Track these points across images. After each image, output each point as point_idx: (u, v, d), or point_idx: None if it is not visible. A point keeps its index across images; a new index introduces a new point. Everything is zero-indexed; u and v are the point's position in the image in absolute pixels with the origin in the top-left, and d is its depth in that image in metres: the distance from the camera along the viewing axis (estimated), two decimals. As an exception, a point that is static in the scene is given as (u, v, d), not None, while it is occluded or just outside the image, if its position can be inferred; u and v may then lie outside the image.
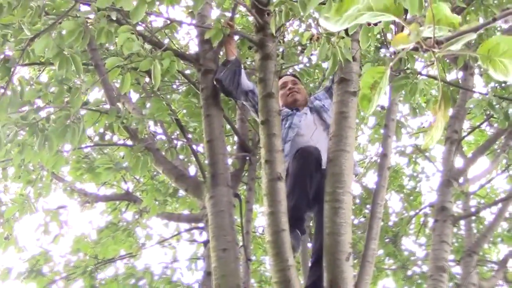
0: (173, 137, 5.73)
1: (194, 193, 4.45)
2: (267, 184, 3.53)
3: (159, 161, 4.66)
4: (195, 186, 4.43)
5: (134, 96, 5.77)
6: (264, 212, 3.58)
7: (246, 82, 4.28)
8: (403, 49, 1.08)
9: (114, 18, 2.77)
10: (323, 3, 2.67)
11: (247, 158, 5.32)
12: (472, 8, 5.44)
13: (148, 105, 5.50)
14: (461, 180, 5.43)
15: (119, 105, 4.61)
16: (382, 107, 5.97)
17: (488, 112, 5.41)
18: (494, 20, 1.08)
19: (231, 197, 4.06)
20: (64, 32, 2.76)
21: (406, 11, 1.31)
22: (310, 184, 3.96)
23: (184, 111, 5.86)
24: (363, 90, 1.13)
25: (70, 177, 6.03)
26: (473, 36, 1.06)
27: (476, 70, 5.70)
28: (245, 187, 5.80)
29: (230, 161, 5.07)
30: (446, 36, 1.06)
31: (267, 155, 3.58)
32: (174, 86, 6.22)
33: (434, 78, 4.41)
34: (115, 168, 4.93)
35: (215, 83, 4.09)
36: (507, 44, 1.00)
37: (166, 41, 5.88)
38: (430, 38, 1.05)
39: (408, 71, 3.82)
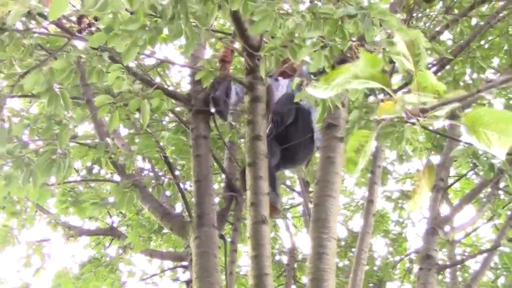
0: (160, 173, 5.73)
1: (179, 233, 4.43)
2: (252, 226, 3.51)
3: (145, 198, 4.64)
4: (180, 225, 4.41)
5: (124, 131, 5.78)
6: (248, 255, 3.56)
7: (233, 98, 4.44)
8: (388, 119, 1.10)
9: (106, 59, 2.79)
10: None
11: (234, 197, 5.32)
12: (460, 58, 5.55)
13: (137, 140, 5.51)
14: (447, 228, 5.44)
15: (108, 140, 4.62)
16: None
17: (474, 161, 5.46)
18: (478, 91, 1.11)
19: (216, 238, 4.05)
20: (55, 68, 2.78)
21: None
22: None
23: (173, 147, 5.87)
24: (348, 154, 1.16)
25: (55, 209, 5.98)
26: (458, 105, 1.09)
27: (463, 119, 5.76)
28: (230, 226, 5.77)
29: (217, 199, 5.07)
30: (431, 104, 1.08)
31: (252, 198, 3.58)
32: (164, 123, 6.24)
33: (425, 128, 4.46)
34: (101, 203, 4.91)
35: (211, 101, 4.17)
36: (491, 116, 1.02)
37: (158, 79, 5.94)
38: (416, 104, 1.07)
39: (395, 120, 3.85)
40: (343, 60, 3.02)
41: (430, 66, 4.50)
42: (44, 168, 3.19)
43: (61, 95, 3.01)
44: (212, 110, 4.32)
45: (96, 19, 2.43)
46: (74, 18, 3.50)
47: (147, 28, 2.45)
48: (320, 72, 4.40)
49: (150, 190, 4.86)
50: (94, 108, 4.46)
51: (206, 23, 2.78)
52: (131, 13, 2.33)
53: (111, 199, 5.25)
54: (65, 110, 3.08)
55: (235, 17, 3.40)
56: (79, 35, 2.53)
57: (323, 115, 3.41)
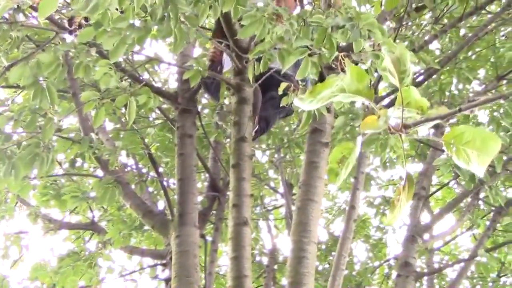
0: (144, 170, 5.71)
1: (160, 231, 4.42)
2: (233, 228, 3.52)
3: (127, 195, 4.63)
4: (162, 224, 4.40)
5: (110, 125, 5.75)
6: (228, 256, 3.56)
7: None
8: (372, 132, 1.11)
9: (93, 54, 2.78)
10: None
11: (217, 197, 5.32)
12: (447, 68, 5.60)
13: (122, 134, 5.49)
14: (426, 236, 5.49)
15: (93, 135, 4.59)
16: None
17: (456, 171, 5.52)
18: (460, 110, 1.13)
19: (197, 238, 4.06)
20: (42, 62, 2.77)
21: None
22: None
23: (158, 144, 5.85)
24: (331, 165, 1.17)
25: (35, 200, 5.93)
26: (440, 121, 1.11)
27: (447, 129, 5.83)
28: (212, 226, 5.77)
29: (200, 198, 5.08)
30: (414, 120, 1.10)
31: (235, 199, 3.58)
32: (150, 119, 6.22)
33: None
34: (81, 197, 4.88)
35: (202, 86, 4.18)
36: (470, 134, 1.04)
37: (146, 74, 5.92)
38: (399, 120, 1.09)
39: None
40: (330, 68, 3.04)
41: (417, 75, 4.54)
42: (27, 161, 3.17)
43: (47, 89, 2.99)
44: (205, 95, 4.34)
45: (86, 19, 2.41)
46: (64, 11, 3.49)
47: (136, 27, 2.45)
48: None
49: (133, 186, 4.85)
50: (80, 102, 4.43)
51: (196, 24, 2.77)
52: (121, 12, 2.32)
53: (93, 193, 5.22)
54: (50, 104, 3.06)
55: (226, 18, 3.41)
56: (69, 35, 2.51)
57: (308, 121, 3.42)
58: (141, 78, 4.32)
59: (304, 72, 2.46)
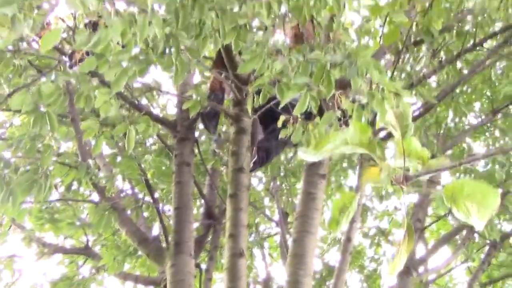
0: (140, 195, 5.70)
1: (155, 259, 4.41)
2: (229, 259, 3.52)
3: (123, 221, 4.63)
4: (157, 252, 4.39)
5: (107, 149, 5.75)
6: (224, 286, 3.55)
7: None
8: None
9: (94, 84, 2.80)
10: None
11: (212, 225, 5.31)
12: (444, 100, 5.64)
13: (119, 158, 5.49)
14: (421, 269, 5.48)
15: (90, 161, 4.60)
16: (350, 187, 6.05)
17: (452, 204, 5.52)
18: (460, 164, 1.15)
19: (192, 267, 4.05)
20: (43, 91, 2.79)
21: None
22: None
23: (154, 170, 5.85)
24: (333, 213, 1.19)
25: (30, 223, 5.90)
26: (440, 173, 1.13)
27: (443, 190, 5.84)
28: (206, 253, 5.75)
29: (195, 224, 5.06)
30: (415, 172, 1.12)
31: (231, 229, 3.59)
32: (148, 144, 6.23)
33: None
34: (77, 224, 4.88)
35: (200, 118, 4.21)
36: (470, 188, 1.06)
37: (145, 100, 5.94)
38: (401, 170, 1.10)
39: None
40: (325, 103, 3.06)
41: (415, 109, 4.57)
42: (25, 187, 3.17)
43: (47, 115, 3.01)
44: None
45: (87, 53, 2.44)
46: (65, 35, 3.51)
47: (137, 59, 2.47)
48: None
49: (129, 212, 4.85)
50: (79, 128, 4.45)
51: (197, 56, 2.80)
52: (123, 46, 2.35)
53: (88, 218, 5.21)
54: (50, 131, 3.07)
55: (226, 50, 3.45)
56: (69, 69, 2.54)
57: (307, 152, 3.44)
58: (140, 104, 4.35)
59: (302, 107, 2.49)
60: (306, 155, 1.17)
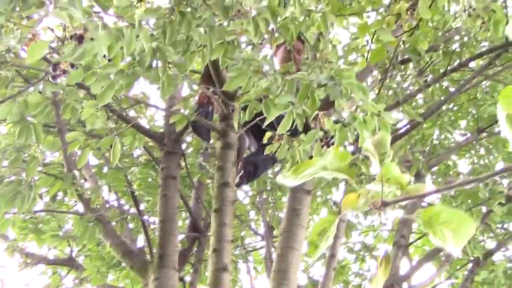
0: (125, 207, 5.69)
1: (139, 272, 4.39)
2: (212, 273, 3.51)
3: (108, 234, 4.61)
4: (141, 265, 4.38)
5: (93, 159, 5.73)
6: (207, 301, 3.55)
7: None
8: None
9: (81, 96, 2.81)
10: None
11: (197, 238, 5.31)
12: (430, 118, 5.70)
13: (105, 169, 5.47)
14: (405, 285, 5.50)
15: (76, 172, 4.59)
16: (335, 203, 6.07)
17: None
18: (438, 191, 1.17)
19: (176, 281, 4.04)
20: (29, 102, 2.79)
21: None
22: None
23: (140, 182, 5.84)
24: (311, 237, 1.20)
25: (13, 233, 5.85)
26: (419, 198, 1.15)
27: (427, 179, 5.90)
28: (190, 266, 5.73)
29: (180, 236, 5.06)
30: (393, 198, 1.14)
31: (215, 244, 3.59)
32: (134, 155, 6.22)
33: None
34: (61, 236, 4.85)
35: (191, 128, 4.17)
36: (447, 215, 1.08)
37: (132, 111, 5.95)
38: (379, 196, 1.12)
39: (362, 177, 3.94)
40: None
41: (401, 127, 4.61)
42: (8, 199, 3.15)
43: (33, 127, 3.00)
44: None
45: (72, 65, 2.44)
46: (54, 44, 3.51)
47: (124, 73, 2.48)
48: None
49: (114, 223, 4.83)
50: (65, 140, 4.44)
51: (184, 71, 2.82)
52: (109, 60, 2.36)
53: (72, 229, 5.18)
54: (35, 142, 3.06)
55: (214, 65, 3.46)
56: (53, 80, 2.54)
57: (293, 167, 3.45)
58: (127, 116, 4.35)
59: (286, 126, 2.51)
60: (285, 180, 1.19)
